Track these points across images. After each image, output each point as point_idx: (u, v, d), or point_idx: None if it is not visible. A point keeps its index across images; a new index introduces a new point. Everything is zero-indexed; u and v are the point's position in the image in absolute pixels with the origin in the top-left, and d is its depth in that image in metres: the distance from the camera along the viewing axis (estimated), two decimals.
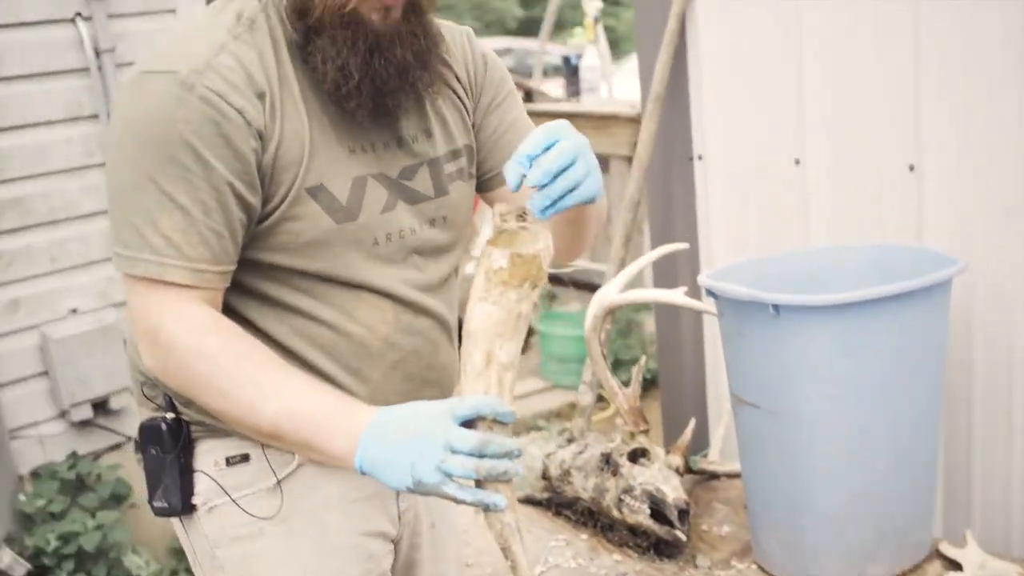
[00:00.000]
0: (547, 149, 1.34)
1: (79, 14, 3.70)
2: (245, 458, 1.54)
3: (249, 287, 1.48)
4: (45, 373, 3.77)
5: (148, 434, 1.55)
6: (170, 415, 1.54)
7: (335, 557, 1.58)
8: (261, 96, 1.39)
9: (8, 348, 3.68)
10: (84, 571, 3.53)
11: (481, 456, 1.27)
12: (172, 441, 1.54)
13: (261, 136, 1.39)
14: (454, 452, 1.27)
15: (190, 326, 1.38)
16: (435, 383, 1.62)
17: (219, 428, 1.52)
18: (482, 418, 1.32)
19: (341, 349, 1.51)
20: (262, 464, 1.54)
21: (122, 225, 1.37)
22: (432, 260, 1.59)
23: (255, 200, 1.40)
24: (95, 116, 3.77)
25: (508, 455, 1.29)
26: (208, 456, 1.55)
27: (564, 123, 1.38)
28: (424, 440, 1.28)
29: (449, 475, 1.27)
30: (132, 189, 1.35)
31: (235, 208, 1.38)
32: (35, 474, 3.72)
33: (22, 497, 3.59)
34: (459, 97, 1.63)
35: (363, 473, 1.32)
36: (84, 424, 3.85)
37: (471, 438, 1.27)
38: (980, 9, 2.41)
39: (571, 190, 1.35)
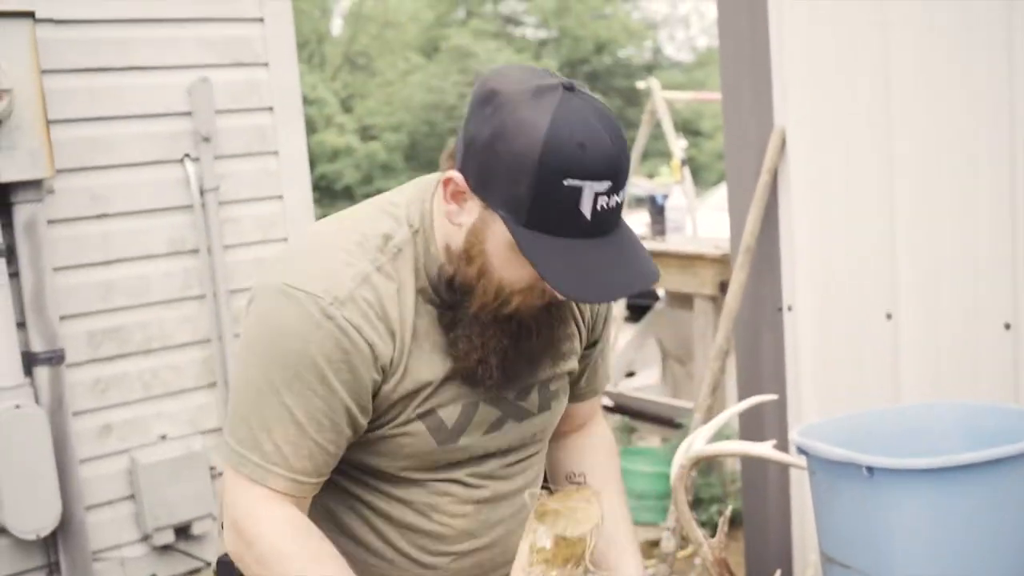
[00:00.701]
0: None
1: (187, 155, 3.88)
2: None
3: (338, 479, 1.53)
4: (131, 497, 3.83)
5: (224, 570, 1.59)
6: None
7: None
8: (392, 334, 1.43)
9: (98, 472, 3.76)
10: None
11: None
12: None
13: (384, 371, 1.43)
14: None
15: (274, 528, 1.43)
16: (503, 564, 1.63)
17: None
18: None
19: (419, 534, 1.56)
20: None
21: (239, 421, 1.44)
22: (521, 466, 1.64)
23: (365, 421, 1.46)
24: (195, 251, 3.91)
25: None
26: None
27: None
28: None
29: None
30: (256, 392, 1.42)
31: (346, 428, 1.44)
32: None
33: None
34: (578, 328, 1.66)
35: None
36: (165, 548, 3.88)
37: None
38: None
39: None
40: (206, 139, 3.88)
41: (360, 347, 1.40)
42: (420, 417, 1.47)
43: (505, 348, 1.44)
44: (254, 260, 4.07)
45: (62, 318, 3.64)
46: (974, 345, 2.64)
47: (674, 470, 2.57)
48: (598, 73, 25.69)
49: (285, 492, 1.43)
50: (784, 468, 3.21)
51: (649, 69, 23.83)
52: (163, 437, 3.89)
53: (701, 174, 20.09)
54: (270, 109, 4.08)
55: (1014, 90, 2.51)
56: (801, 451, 2.34)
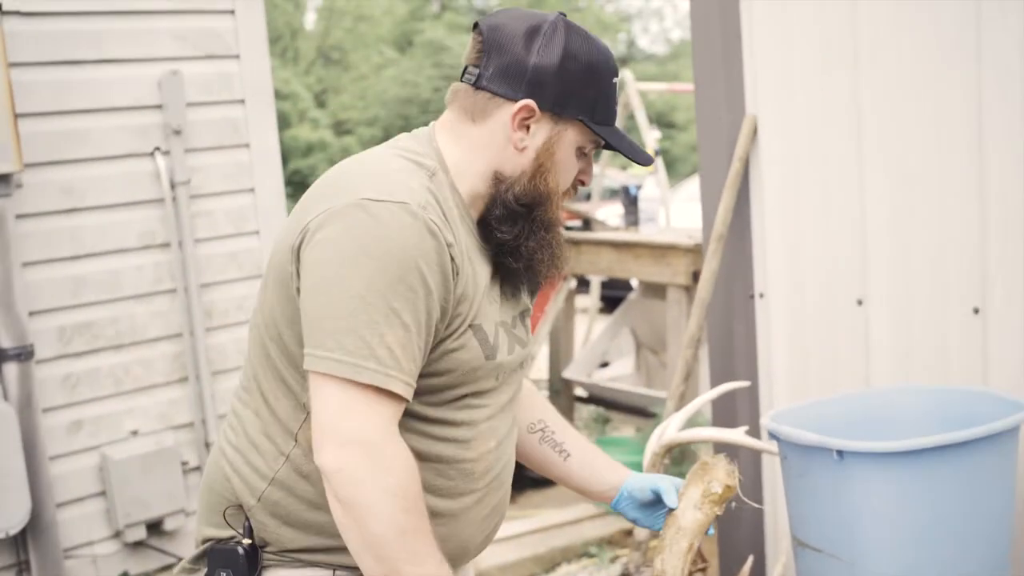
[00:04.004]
0: None
1: (158, 148, 3.85)
2: None
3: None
4: (102, 493, 3.81)
5: (221, 557, 1.58)
6: (247, 541, 1.57)
7: None
8: (455, 236, 1.52)
9: (68, 468, 3.74)
10: None
11: None
12: (248, 566, 1.56)
13: (455, 271, 1.51)
14: None
15: (392, 460, 1.43)
16: (502, 512, 1.71)
17: (293, 558, 1.57)
18: None
19: (451, 467, 1.59)
20: None
21: (346, 334, 1.43)
22: (517, 401, 1.76)
23: (442, 326, 1.52)
24: (167, 244, 3.88)
25: None
26: None
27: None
28: None
29: None
30: (361, 302, 1.43)
31: (433, 330, 1.50)
32: None
33: None
34: None
35: None
36: (137, 545, 3.86)
37: None
38: None
39: None
40: (177, 132, 3.85)
41: (443, 246, 1.48)
42: (472, 328, 1.55)
43: (552, 246, 1.62)
44: (227, 254, 4.04)
45: (31, 313, 3.61)
46: (944, 330, 2.66)
47: (647, 457, 2.58)
48: None
49: (403, 396, 1.46)
50: (757, 456, 3.22)
51: (623, 61, 23.83)
52: (134, 433, 3.87)
53: (675, 166, 20.11)
54: (242, 102, 4.06)
55: (982, 80, 2.53)
56: (773, 436, 2.36)
